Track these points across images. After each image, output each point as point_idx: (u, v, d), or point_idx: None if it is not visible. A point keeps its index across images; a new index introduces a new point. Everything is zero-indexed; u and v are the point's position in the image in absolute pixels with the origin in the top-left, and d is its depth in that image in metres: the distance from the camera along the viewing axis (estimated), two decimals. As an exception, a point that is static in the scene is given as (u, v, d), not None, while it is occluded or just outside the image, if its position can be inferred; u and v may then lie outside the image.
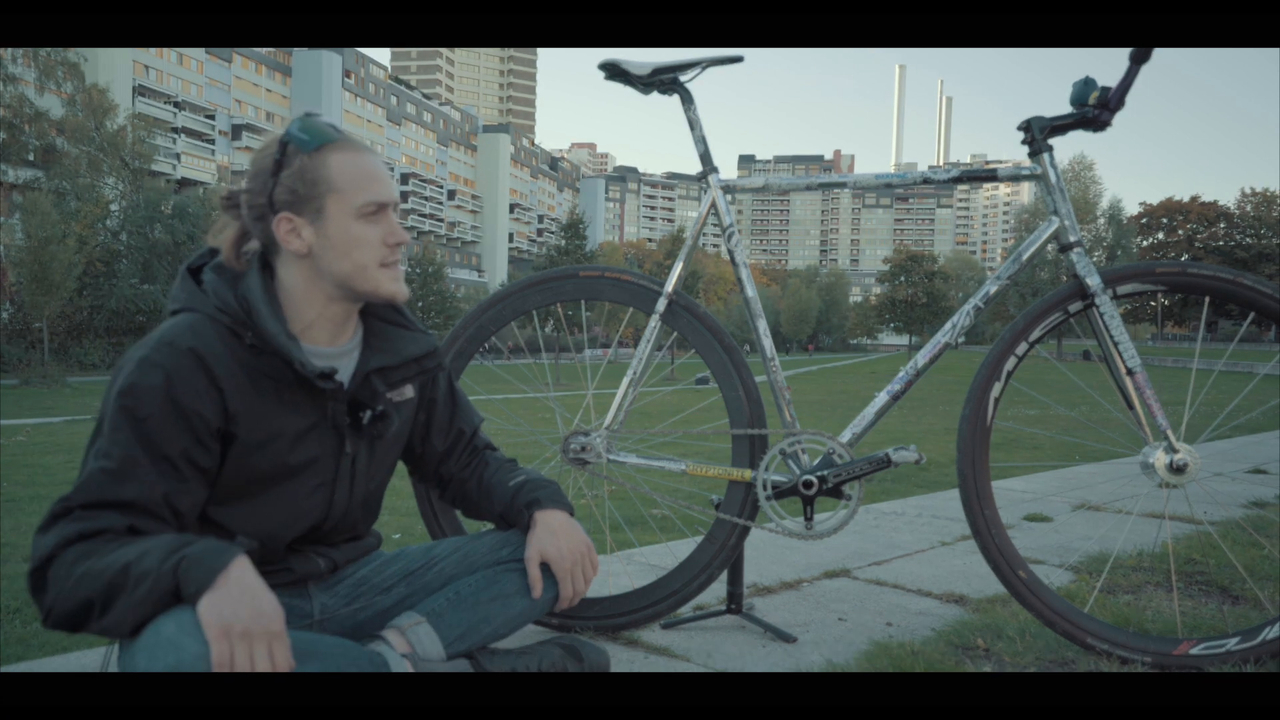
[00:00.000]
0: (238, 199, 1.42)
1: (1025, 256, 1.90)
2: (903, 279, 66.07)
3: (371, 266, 1.40)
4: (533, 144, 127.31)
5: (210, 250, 1.46)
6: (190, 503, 1.31)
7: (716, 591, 2.23)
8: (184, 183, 60.68)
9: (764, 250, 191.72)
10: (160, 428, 1.26)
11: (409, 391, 1.58)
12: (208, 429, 1.31)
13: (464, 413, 1.70)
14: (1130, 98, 1.82)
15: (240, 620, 1.13)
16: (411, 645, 1.45)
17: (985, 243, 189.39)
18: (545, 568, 1.54)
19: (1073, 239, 1.86)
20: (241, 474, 1.36)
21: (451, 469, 1.69)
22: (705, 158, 1.97)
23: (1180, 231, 66.29)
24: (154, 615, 1.16)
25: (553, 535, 1.54)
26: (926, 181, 1.93)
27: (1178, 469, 1.80)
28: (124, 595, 1.16)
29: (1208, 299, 1.86)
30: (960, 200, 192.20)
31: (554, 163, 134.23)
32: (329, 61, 77.42)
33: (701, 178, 1.99)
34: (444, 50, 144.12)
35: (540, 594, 1.54)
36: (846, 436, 1.93)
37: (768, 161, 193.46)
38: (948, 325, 1.93)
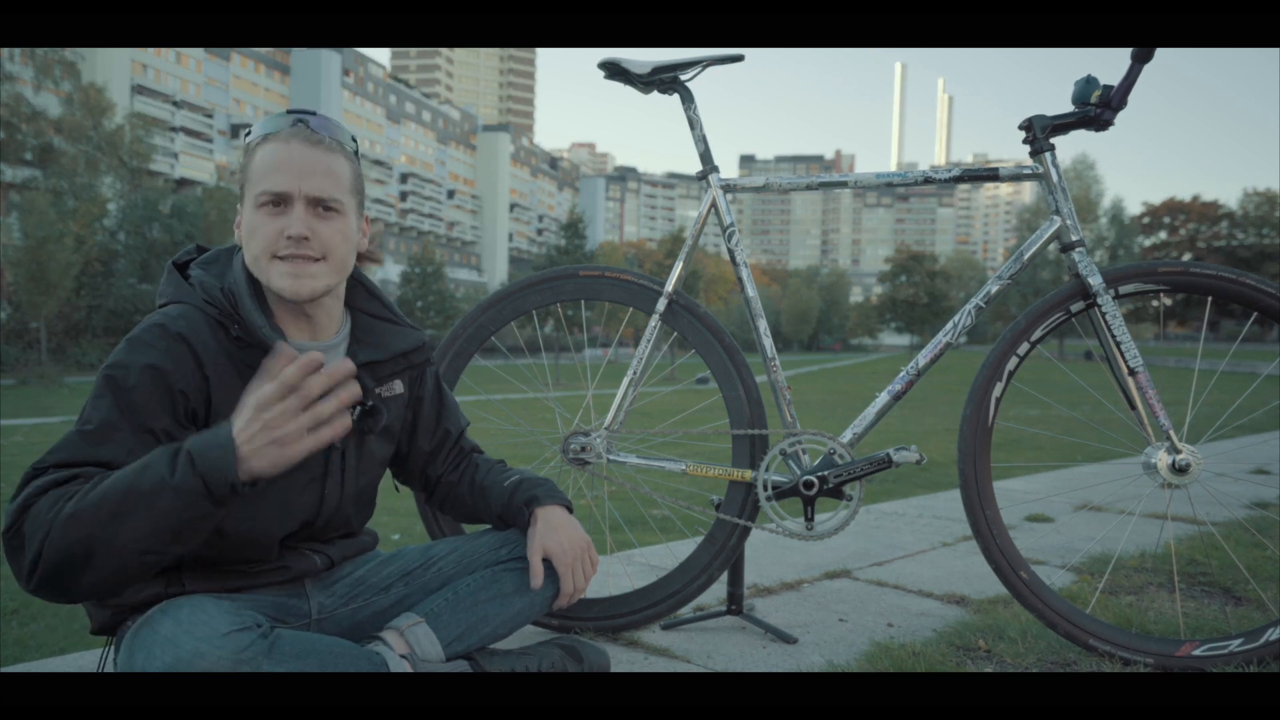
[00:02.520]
0: None
1: (1027, 256, 1.90)
2: (904, 279, 65.95)
3: (263, 258, 1.36)
4: (532, 143, 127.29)
5: (197, 247, 1.48)
6: None
7: (717, 592, 2.23)
8: (182, 182, 60.65)
9: (765, 250, 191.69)
10: (144, 400, 1.25)
11: (398, 387, 1.58)
12: (187, 412, 1.30)
13: (451, 413, 1.70)
14: (1132, 97, 1.82)
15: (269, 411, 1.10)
16: (410, 646, 1.45)
17: (986, 242, 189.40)
18: (546, 564, 1.55)
19: (1074, 238, 1.85)
20: None
21: (439, 470, 1.69)
22: (705, 157, 1.97)
23: (1182, 231, 66.22)
24: (180, 523, 1.10)
25: (554, 531, 1.55)
26: (928, 181, 1.92)
27: (1180, 469, 1.80)
28: (136, 516, 1.09)
29: (1210, 299, 1.85)
30: (961, 200, 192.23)
31: (554, 162, 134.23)
32: (328, 60, 77.38)
33: (702, 177, 1.99)
34: (443, 49, 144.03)
35: (541, 587, 1.54)
36: (847, 437, 1.92)
37: (768, 161, 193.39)
38: (949, 325, 1.92)
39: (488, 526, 1.71)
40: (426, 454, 1.67)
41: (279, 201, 1.36)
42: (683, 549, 2.68)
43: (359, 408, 1.46)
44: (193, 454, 1.11)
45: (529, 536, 1.56)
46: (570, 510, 1.62)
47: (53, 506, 1.13)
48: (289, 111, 1.42)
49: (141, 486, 1.10)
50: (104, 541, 1.10)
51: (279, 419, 1.10)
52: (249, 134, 1.41)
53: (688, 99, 1.96)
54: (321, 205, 1.38)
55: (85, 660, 1.78)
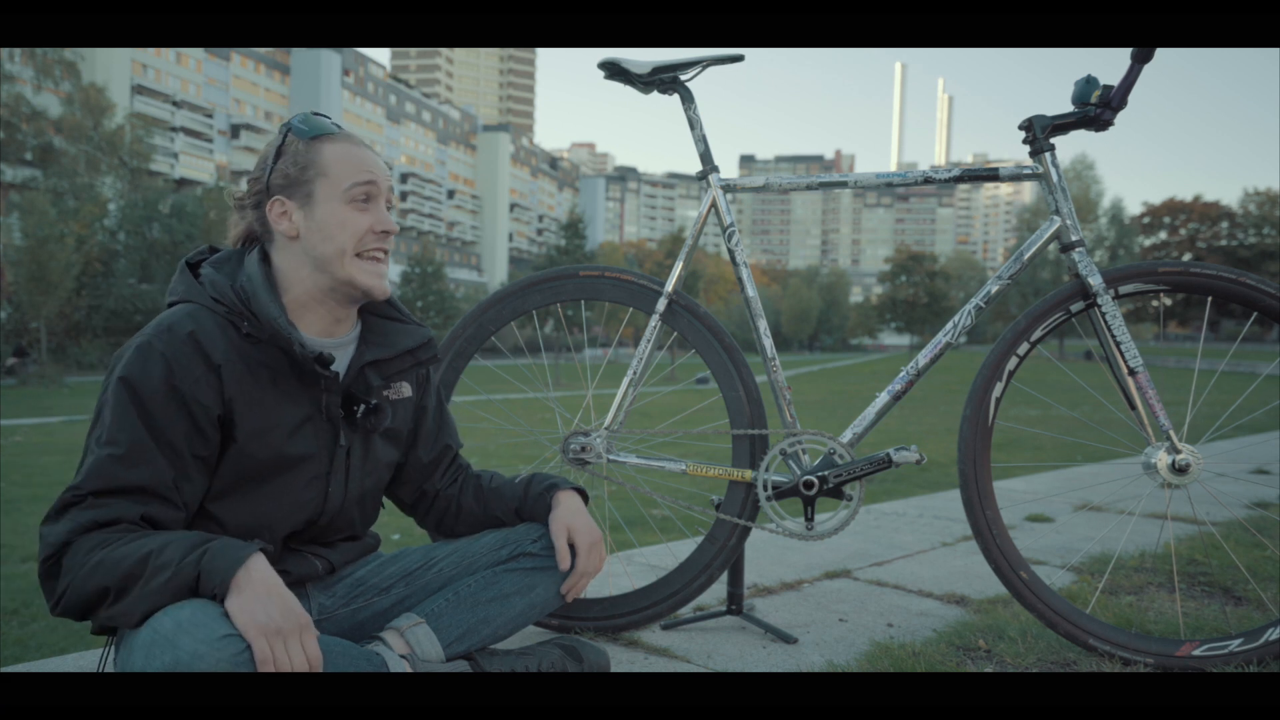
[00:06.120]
0: (245, 198, 1.47)
1: (1027, 256, 1.90)
2: (904, 279, 65.92)
3: (349, 252, 1.41)
4: (532, 143, 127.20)
5: (209, 248, 1.49)
6: (192, 492, 1.32)
7: (717, 592, 2.23)
8: (182, 182, 60.64)
9: (764, 250, 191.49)
10: (163, 414, 1.28)
11: (406, 390, 1.59)
12: (207, 416, 1.32)
13: (450, 429, 1.72)
14: (1132, 97, 1.82)
15: (274, 619, 1.16)
16: (410, 646, 1.45)
17: (986, 242, 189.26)
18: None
19: (1074, 238, 1.85)
20: (238, 464, 1.36)
21: (437, 485, 1.69)
22: (705, 157, 1.97)
23: (1182, 231, 66.06)
24: (165, 606, 1.19)
25: (576, 513, 1.60)
26: (928, 181, 1.92)
27: (1180, 469, 1.80)
28: (139, 584, 1.18)
29: (1210, 299, 1.85)
30: (961, 200, 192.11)
31: (554, 162, 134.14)
32: (328, 60, 77.30)
33: (702, 177, 1.99)
34: (443, 50, 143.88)
35: (569, 566, 1.58)
36: (847, 436, 1.92)
37: (768, 161, 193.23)
38: (949, 325, 1.92)
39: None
40: (424, 466, 1.67)
41: (369, 196, 1.42)
42: (683, 549, 2.68)
43: (363, 405, 1.46)
44: (209, 552, 1.19)
45: (552, 519, 1.60)
46: (586, 499, 1.67)
47: (86, 553, 1.21)
48: (314, 114, 1.46)
49: (156, 560, 1.19)
50: (117, 592, 1.20)
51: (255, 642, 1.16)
52: (291, 130, 1.42)
53: (688, 99, 1.96)
54: (389, 201, 1.46)
55: (85, 660, 1.78)
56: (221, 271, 1.41)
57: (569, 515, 1.60)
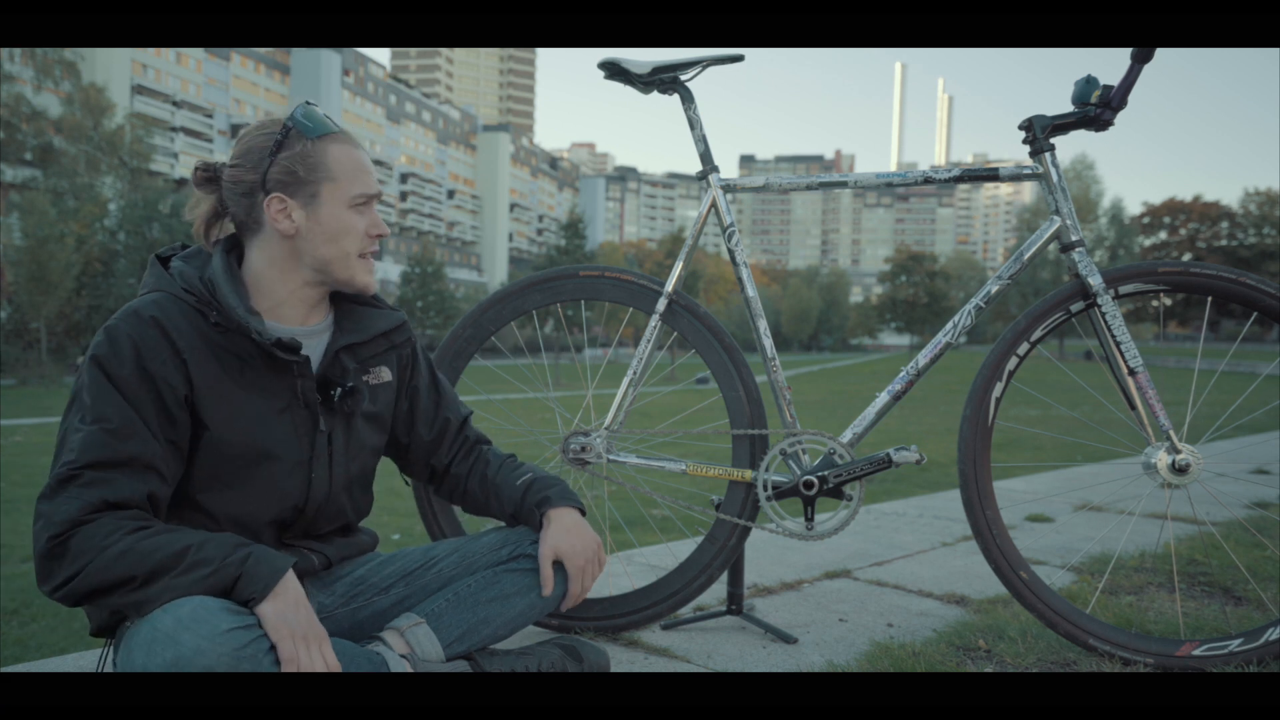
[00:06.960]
0: (216, 174, 1.45)
1: (1027, 256, 1.90)
2: (904, 279, 65.95)
3: (353, 255, 1.46)
4: (532, 143, 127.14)
5: (181, 245, 1.51)
6: (171, 473, 1.33)
7: (717, 592, 2.23)
8: (182, 182, 60.47)
9: (764, 250, 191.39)
10: (135, 395, 1.30)
11: (387, 375, 1.59)
12: (175, 397, 1.33)
13: (450, 402, 1.71)
14: (1132, 97, 1.82)
15: (301, 626, 1.22)
16: (410, 646, 1.45)
17: (986, 242, 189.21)
18: (557, 565, 1.56)
19: (1074, 238, 1.85)
20: (215, 452, 1.37)
21: (443, 460, 1.70)
22: (705, 157, 1.97)
23: (1182, 231, 66.00)
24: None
25: (566, 533, 1.57)
26: (928, 181, 1.92)
27: (1180, 469, 1.80)
28: (169, 575, 1.20)
29: (1210, 299, 1.85)
30: (961, 200, 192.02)
31: (554, 162, 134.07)
32: (328, 60, 77.28)
33: (702, 177, 1.99)
34: (443, 50, 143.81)
35: (551, 591, 1.55)
36: (847, 436, 1.92)
37: (768, 161, 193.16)
38: (949, 325, 1.92)
39: (492, 526, 1.71)
40: (428, 443, 1.68)
41: (367, 202, 1.47)
42: (683, 549, 2.68)
43: (339, 389, 1.47)
44: (254, 557, 1.25)
45: (540, 539, 1.57)
46: (583, 513, 1.63)
47: (105, 538, 1.21)
48: (309, 104, 1.46)
49: (195, 554, 1.23)
50: (143, 581, 1.21)
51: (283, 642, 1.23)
52: (294, 127, 1.41)
53: (688, 99, 1.96)
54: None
55: (85, 660, 1.78)
56: (191, 264, 1.43)
57: (558, 537, 1.55)
